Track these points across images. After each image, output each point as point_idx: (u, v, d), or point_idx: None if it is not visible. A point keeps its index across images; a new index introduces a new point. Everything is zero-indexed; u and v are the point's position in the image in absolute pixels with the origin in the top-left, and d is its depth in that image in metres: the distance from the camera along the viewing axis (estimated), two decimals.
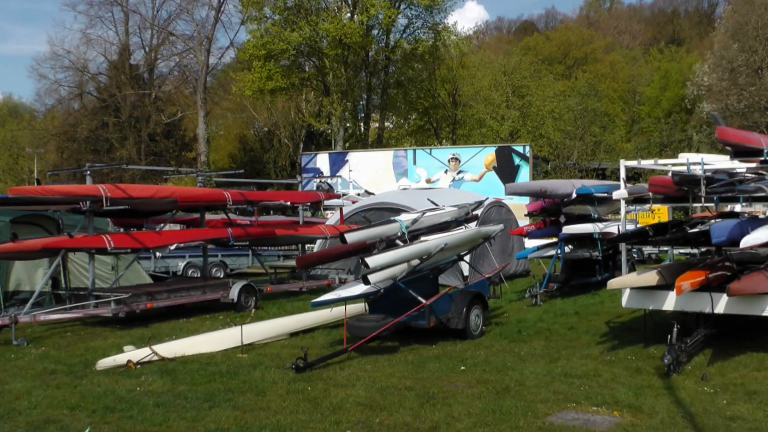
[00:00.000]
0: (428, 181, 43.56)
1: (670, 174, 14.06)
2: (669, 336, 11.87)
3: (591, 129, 63.26)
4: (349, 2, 58.69)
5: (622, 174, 15.16)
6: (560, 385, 11.06)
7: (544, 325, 16.63)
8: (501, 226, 17.73)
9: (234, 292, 19.41)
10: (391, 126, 73.49)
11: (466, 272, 21.24)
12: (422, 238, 14.85)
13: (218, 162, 74.67)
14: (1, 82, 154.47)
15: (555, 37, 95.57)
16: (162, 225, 22.16)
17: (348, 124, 65.04)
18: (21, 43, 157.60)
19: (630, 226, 17.39)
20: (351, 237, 13.94)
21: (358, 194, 38.19)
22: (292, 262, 24.11)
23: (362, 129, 66.57)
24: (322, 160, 48.54)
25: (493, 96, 64.67)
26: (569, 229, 21.09)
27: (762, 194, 12.52)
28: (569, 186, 21.41)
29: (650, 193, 14.56)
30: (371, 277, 13.13)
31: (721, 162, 14.85)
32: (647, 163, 16.29)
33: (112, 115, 69.76)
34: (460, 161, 43.62)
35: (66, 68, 71.00)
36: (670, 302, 13.17)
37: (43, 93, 74.74)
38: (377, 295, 13.99)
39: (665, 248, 23.80)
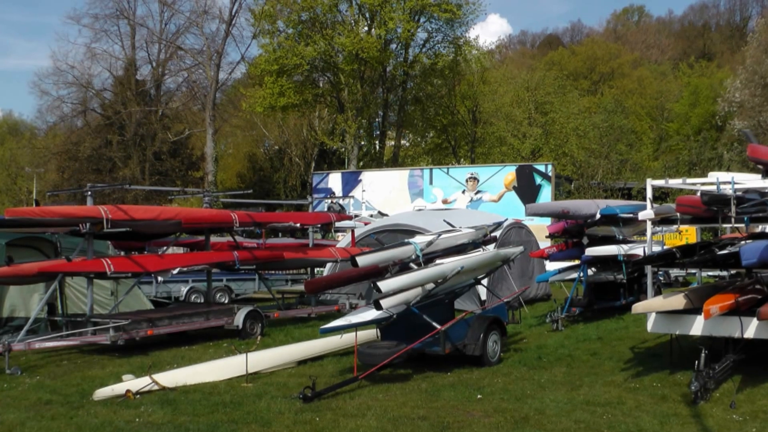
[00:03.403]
0: (445, 201, 43.54)
1: (698, 193, 14.02)
2: (696, 362, 11.82)
3: (617, 147, 63.10)
4: (367, 16, 58.79)
5: (649, 194, 15.13)
6: (582, 414, 11.01)
7: (566, 351, 16.58)
8: (521, 248, 17.69)
9: (239, 319, 19.35)
10: (407, 144, 73.55)
11: (483, 296, 21.22)
12: (437, 261, 14.84)
13: (226, 182, 74.80)
14: (1, 98, 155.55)
15: (580, 52, 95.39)
16: (165, 248, 22.19)
17: (363, 143, 65.01)
18: (22, 57, 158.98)
19: (656, 248, 17.32)
20: (363, 260, 13.94)
21: (371, 215, 38.20)
22: (301, 287, 24.10)
23: (377, 147, 66.61)
24: (335, 180, 48.61)
25: (514, 113, 64.66)
26: (592, 250, 21.06)
27: None
28: (593, 206, 21.41)
29: (678, 214, 14.54)
30: (383, 302, 13.10)
31: (752, 181, 14.80)
32: (675, 183, 16.24)
33: (117, 133, 69.92)
34: (478, 181, 43.60)
35: (69, 84, 71.23)
36: (697, 327, 13.12)
37: (45, 110, 75.14)
38: (390, 321, 13.95)
39: (693, 271, 23.73)
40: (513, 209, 38.26)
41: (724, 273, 20.62)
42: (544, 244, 26.80)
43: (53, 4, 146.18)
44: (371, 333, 16.13)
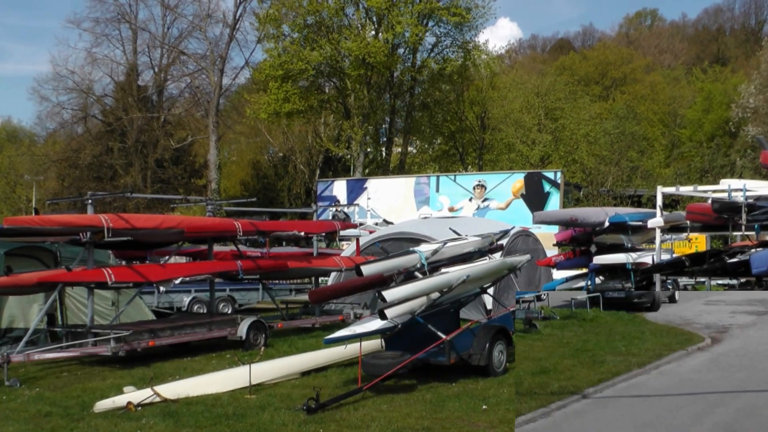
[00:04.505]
0: (451, 209, 43.54)
1: (709, 201, 14.07)
2: None
3: (628, 154, 62.88)
4: (374, 19, 58.71)
5: (659, 201, 15.19)
6: None
7: None
8: (527, 256, 17.73)
9: (242, 329, 19.33)
10: (414, 151, 73.47)
11: (489, 306, 21.25)
12: (443, 270, 14.88)
13: (230, 189, 74.77)
14: None
15: (592, 56, 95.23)
16: (167, 257, 22.22)
17: (369, 149, 64.95)
18: (21, 62, 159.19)
19: (665, 256, 17.37)
20: (367, 269, 14.00)
21: (376, 224, 38.24)
22: (305, 297, 24.14)
23: (383, 154, 66.52)
24: (339, 188, 48.66)
25: (524, 119, 64.37)
26: (600, 259, 21.09)
27: None
28: (601, 214, 21.43)
29: (688, 221, 14.58)
30: (388, 312, 13.16)
31: (764, 188, 14.84)
32: (686, 190, 16.30)
33: (118, 140, 69.88)
34: (486, 188, 43.60)
35: (69, 90, 71.19)
36: None
37: (45, 116, 75.12)
38: (394, 331, 13.99)
39: (702, 279, 23.78)
40: (520, 217, 38.25)
41: (734, 282, 20.67)
42: (552, 252, 26.82)
43: (53, 8, 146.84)
44: (376, 343, 16.18)
